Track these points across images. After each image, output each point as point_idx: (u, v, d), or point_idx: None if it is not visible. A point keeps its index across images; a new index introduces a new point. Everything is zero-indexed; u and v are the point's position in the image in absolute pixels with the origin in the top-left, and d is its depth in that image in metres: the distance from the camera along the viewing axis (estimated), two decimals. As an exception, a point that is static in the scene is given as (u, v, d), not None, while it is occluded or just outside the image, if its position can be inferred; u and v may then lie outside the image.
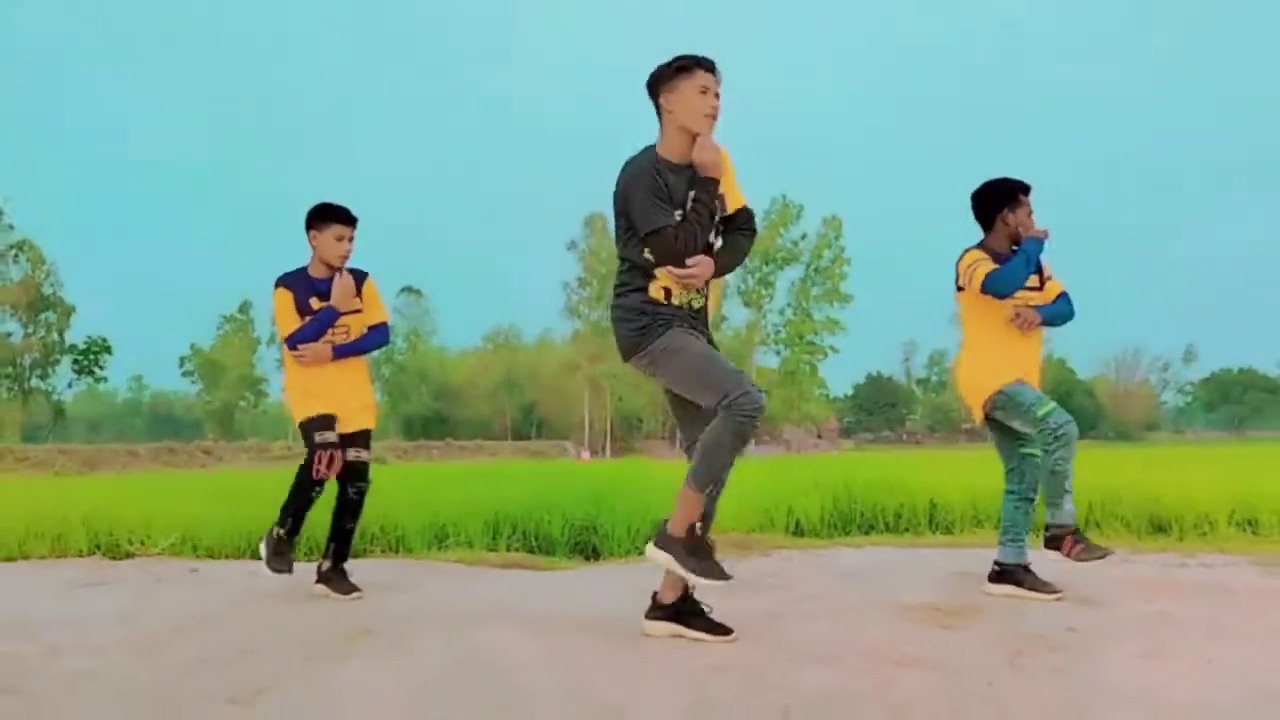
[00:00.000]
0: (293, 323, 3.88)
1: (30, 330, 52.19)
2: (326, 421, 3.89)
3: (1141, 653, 2.74)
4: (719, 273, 3.05)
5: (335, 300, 3.88)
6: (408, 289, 76.46)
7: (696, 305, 3.09)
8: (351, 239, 3.93)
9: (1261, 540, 5.35)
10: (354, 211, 3.95)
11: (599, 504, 5.74)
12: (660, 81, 2.98)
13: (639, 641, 2.98)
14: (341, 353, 3.93)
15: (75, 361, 54.79)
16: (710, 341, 3.10)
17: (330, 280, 3.92)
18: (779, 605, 3.57)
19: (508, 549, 5.45)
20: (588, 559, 5.42)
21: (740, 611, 3.43)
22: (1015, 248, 3.79)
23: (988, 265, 3.72)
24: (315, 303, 3.90)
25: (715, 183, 2.97)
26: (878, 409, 78.46)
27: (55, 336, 53.14)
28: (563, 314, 64.26)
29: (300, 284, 3.92)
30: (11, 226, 51.26)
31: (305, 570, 4.88)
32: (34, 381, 53.11)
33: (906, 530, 6.11)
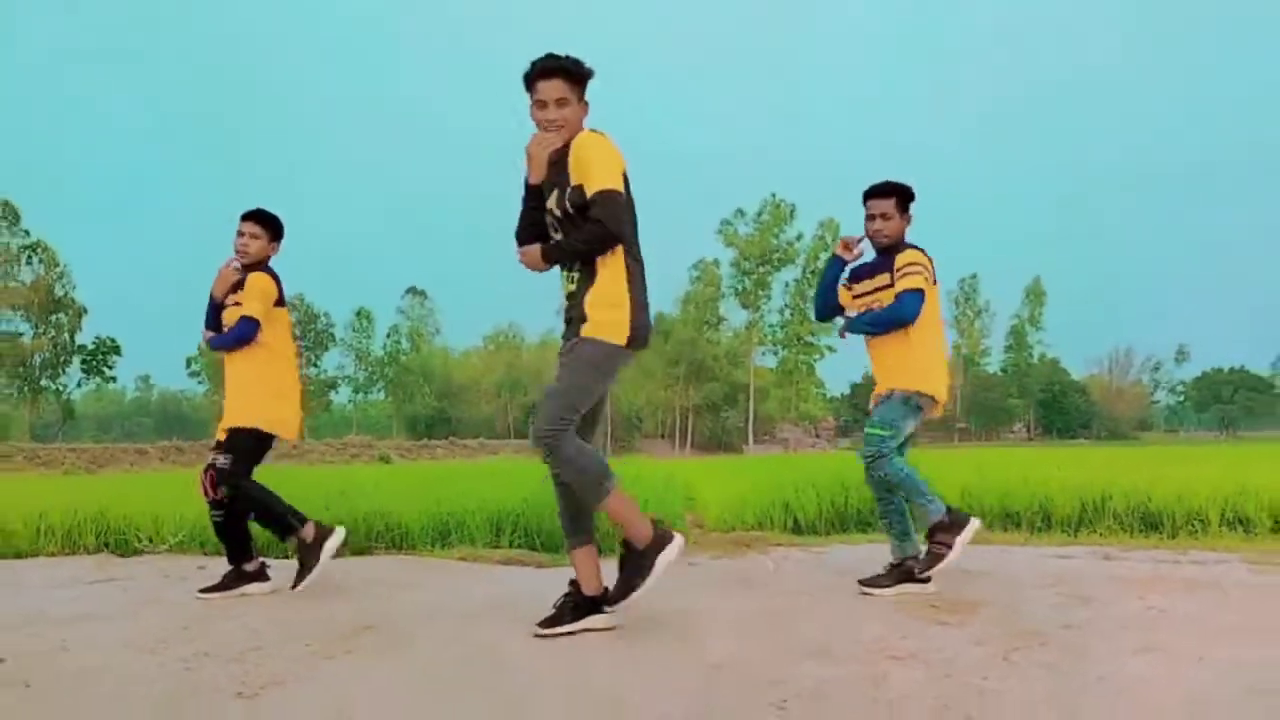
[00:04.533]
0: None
1: (41, 331, 52.16)
2: (217, 442, 3.95)
3: (1134, 649, 2.73)
4: (549, 260, 2.98)
5: (213, 287, 4.05)
6: (412, 289, 76.53)
7: (567, 290, 3.04)
8: (244, 234, 4.02)
9: (1252, 539, 5.34)
10: (256, 210, 4.05)
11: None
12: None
13: (639, 637, 2.97)
14: (214, 345, 4.03)
15: (84, 361, 54.75)
16: (569, 328, 3.01)
17: (242, 278, 4.05)
18: (777, 602, 3.56)
19: (510, 546, 5.44)
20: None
21: (739, 608, 3.43)
22: (879, 251, 3.86)
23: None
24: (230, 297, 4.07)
25: (540, 185, 3.01)
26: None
27: (66, 337, 53.12)
28: (562, 313, 64.38)
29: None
30: (27, 231, 51.30)
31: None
32: (44, 381, 53.08)
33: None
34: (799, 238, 66.05)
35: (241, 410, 3.91)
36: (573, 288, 3.00)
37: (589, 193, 2.88)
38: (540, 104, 2.96)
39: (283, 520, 3.88)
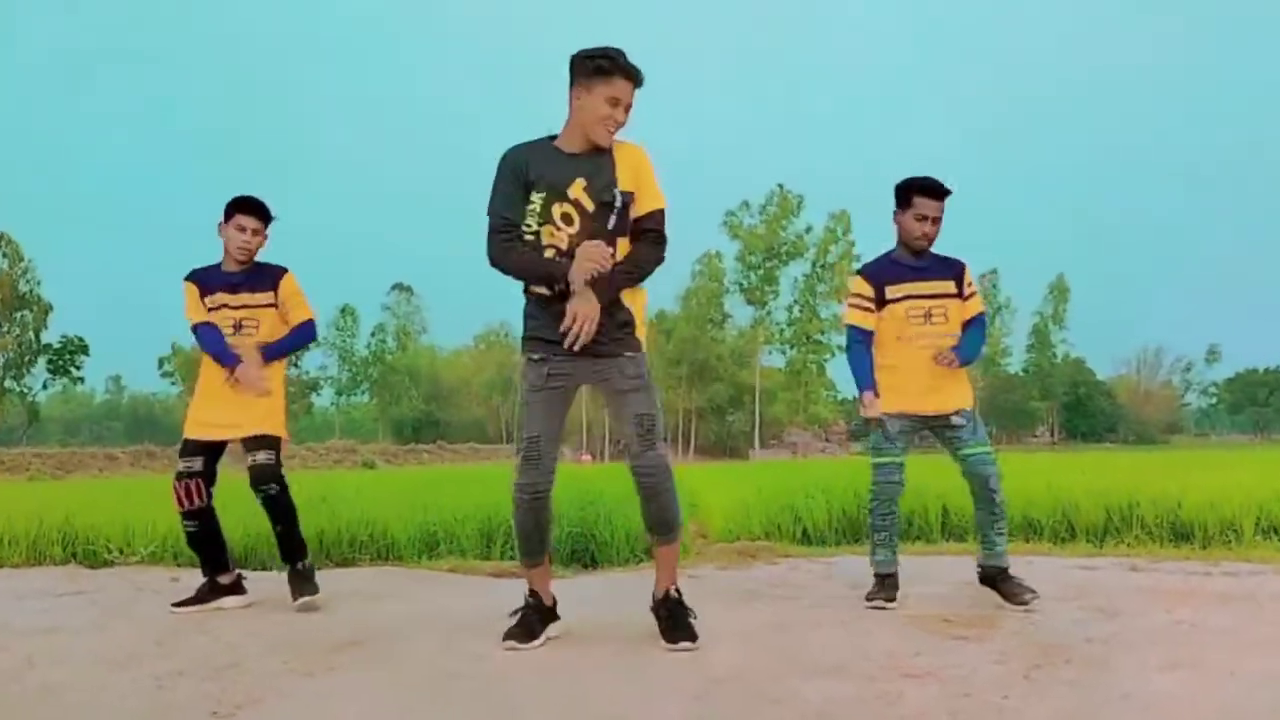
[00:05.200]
0: (198, 313, 3.96)
1: (5, 329, 52.13)
2: (195, 447, 3.90)
3: (1162, 664, 2.74)
4: (614, 288, 2.97)
5: (243, 375, 3.86)
6: (398, 285, 76.59)
7: None
8: (255, 231, 3.93)
9: (1288, 548, 5.34)
10: (266, 206, 3.96)
11: (597, 510, 5.73)
12: (577, 73, 2.97)
13: (637, 652, 2.98)
14: (271, 355, 3.95)
15: (50, 361, 54.74)
16: (615, 365, 3.05)
17: (240, 275, 3.96)
18: (785, 615, 3.57)
19: (501, 557, 5.44)
20: (585, 567, 5.42)
21: (745, 620, 3.44)
22: (910, 250, 3.81)
23: (854, 313, 3.89)
24: (222, 295, 3.95)
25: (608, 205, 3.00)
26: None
27: (31, 335, 53.08)
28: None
29: (208, 277, 3.98)
30: (-12, 222, 51.24)
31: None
32: (8, 382, 53.04)
33: (918, 538, 6.10)
34: (808, 230, 66.04)
35: (274, 418, 3.96)
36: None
37: (648, 207, 3.03)
38: (614, 101, 2.94)
39: (301, 542, 3.95)
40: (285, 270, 4.04)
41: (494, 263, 3.04)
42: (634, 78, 2.97)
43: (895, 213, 3.84)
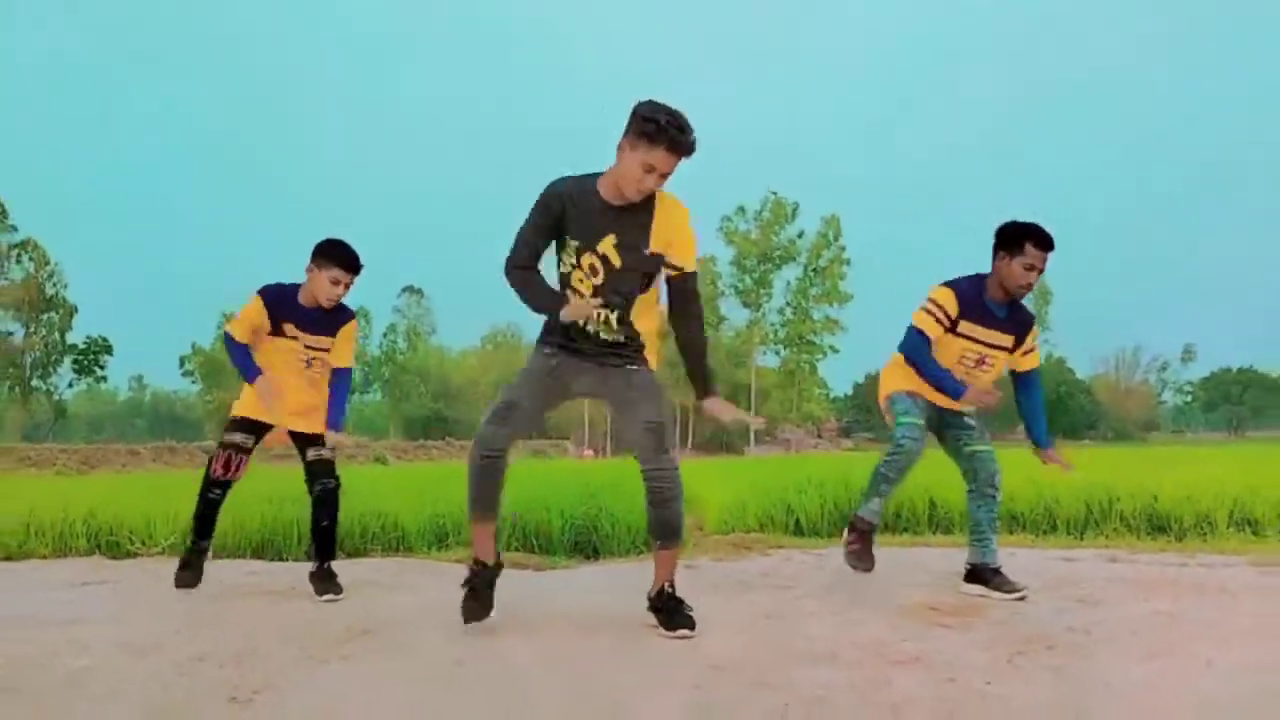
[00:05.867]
0: (245, 331, 3.87)
1: (32, 330, 52.15)
2: (246, 425, 3.94)
3: (1141, 652, 2.73)
4: (706, 375, 3.10)
5: (261, 385, 3.83)
6: (409, 288, 76.50)
7: (605, 336, 3.07)
8: (348, 285, 3.86)
9: (1261, 541, 5.35)
10: (360, 259, 3.86)
11: (599, 503, 5.73)
12: (630, 125, 2.85)
13: (638, 640, 2.97)
14: (339, 425, 3.98)
15: (75, 361, 54.77)
16: (614, 354, 3.10)
17: (314, 311, 3.89)
18: (778, 604, 3.56)
19: (507, 548, 5.44)
20: (588, 558, 5.42)
21: (740, 610, 3.44)
22: (1004, 294, 3.65)
23: (930, 320, 3.66)
24: (290, 328, 3.89)
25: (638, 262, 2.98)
26: (878, 408, 78.42)
27: (56, 336, 53.11)
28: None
29: (282, 302, 3.88)
30: (15, 227, 51.28)
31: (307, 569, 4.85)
32: (35, 381, 53.07)
33: (906, 530, 6.10)
34: (800, 235, 65.99)
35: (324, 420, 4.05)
36: (615, 338, 3.09)
37: (686, 270, 2.99)
38: (649, 168, 2.82)
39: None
40: (353, 316, 4.02)
41: (509, 281, 3.05)
42: (678, 150, 2.82)
43: (999, 255, 3.62)
